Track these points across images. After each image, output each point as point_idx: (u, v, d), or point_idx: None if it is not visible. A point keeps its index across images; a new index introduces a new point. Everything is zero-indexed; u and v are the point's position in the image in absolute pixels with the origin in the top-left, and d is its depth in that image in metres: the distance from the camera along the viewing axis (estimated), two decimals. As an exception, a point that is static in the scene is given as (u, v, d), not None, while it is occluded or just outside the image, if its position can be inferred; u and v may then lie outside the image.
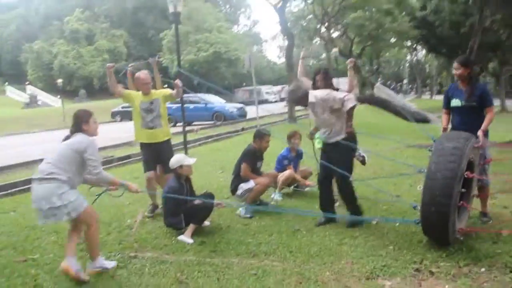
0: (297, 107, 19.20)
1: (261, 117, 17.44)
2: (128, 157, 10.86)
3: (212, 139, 14.61)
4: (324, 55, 37.78)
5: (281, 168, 6.23)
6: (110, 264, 3.85)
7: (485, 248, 3.82)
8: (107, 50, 54.41)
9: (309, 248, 4.12)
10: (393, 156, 8.55)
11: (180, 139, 10.69)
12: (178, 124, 19.43)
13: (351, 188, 4.75)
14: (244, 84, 55.61)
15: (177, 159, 4.78)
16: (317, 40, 44.23)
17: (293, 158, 6.29)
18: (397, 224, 4.55)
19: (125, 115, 26.25)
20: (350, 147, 4.63)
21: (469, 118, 4.41)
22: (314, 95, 4.59)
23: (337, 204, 5.16)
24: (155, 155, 5.37)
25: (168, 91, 5.45)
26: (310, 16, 39.25)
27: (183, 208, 4.60)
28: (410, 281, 3.36)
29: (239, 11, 74.62)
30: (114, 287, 3.53)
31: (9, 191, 7.69)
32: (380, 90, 37.04)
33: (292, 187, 6.36)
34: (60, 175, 3.52)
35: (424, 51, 52.13)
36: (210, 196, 4.93)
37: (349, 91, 5.08)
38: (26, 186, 7.84)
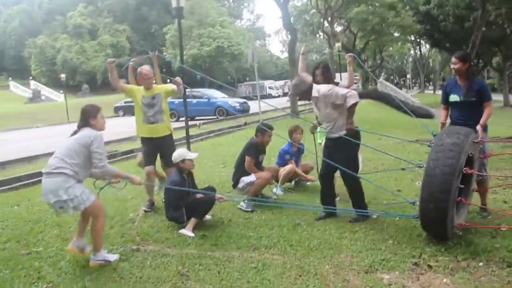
0: (300, 102, 19.24)
1: (263, 112, 17.43)
2: (131, 151, 10.90)
3: (214, 134, 14.63)
4: (327, 50, 37.64)
5: (282, 162, 6.26)
6: (113, 257, 3.90)
7: (484, 243, 3.85)
8: (110, 45, 54.45)
9: (309, 241, 4.16)
10: (394, 151, 8.58)
11: (182, 133, 10.72)
12: (181, 118, 19.50)
13: (358, 184, 4.75)
14: (247, 78, 55.59)
15: (179, 154, 4.82)
16: (320, 34, 44.14)
17: (294, 152, 6.31)
18: (397, 218, 4.58)
19: (128, 110, 26.34)
20: (353, 142, 4.62)
21: (467, 113, 4.42)
22: (318, 89, 4.60)
23: (337, 198, 5.19)
24: (156, 149, 5.40)
25: (171, 86, 5.45)
26: (313, 10, 39.16)
27: (185, 202, 4.64)
28: (409, 275, 3.40)
29: (242, 5, 74.41)
30: (117, 279, 3.58)
31: (13, 185, 7.74)
32: (383, 85, 36.94)
33: (293, 181, 6.40)
34: (67, 170, 3.59)
35: (427, 46, 51.92)
36: (212, 190, 4.97)
37: (349, 86, 5.09)
38: (30, 181, 7.93)
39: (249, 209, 5.24)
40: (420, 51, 58.34)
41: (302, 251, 3.96)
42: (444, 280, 3.27)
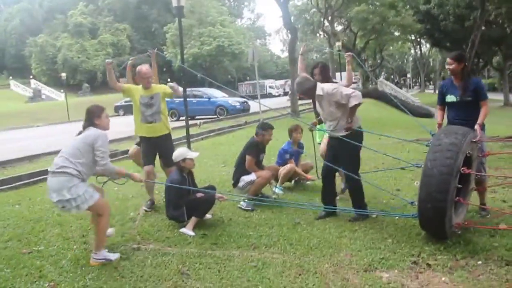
0: (300, 101, 19.26)
1: (263, 111, 17.44)
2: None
3: (214, 133, 14.65)
4: (327, 49, 37.65)
5: (282, 162, 6.27)
6: (114, 256, 3.92)
7: (482, 242, 3.87)
8: (111, 43, 54.48)
9: (309, 240, 4.18)
10: (395, 150, 8.60)
11: (183, 133, 10.74)
12: (181, 118, 19.51)
13: (359, 184, 4.77)
14: (248, 78, 55.61)
15: (180, 153, 4.83)
16: (320, 34, 44.13)
17: (294, 152, 6.33)
18: (396, 217, 4.60)
19: (128, 109, 26.30)
20: (357, 140, 4.63)
21: (464, 113, 4.44)
22: (322, 87, 4.62)
23: (338, 197, 5.21)
24: (155, 149, 5.41)
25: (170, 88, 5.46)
26: (314, 9, 39.17)
27: (185, 201, 4.66)
28: (408, 274, 3.42)
29: (243, 4, 74.39)
30: (117, 278, 3.60)
31: (14, 184, 7.76)
32: (383, 85, 36.97)
33: (293, 180, 6.42)
34: (70, 169, 3.65)
35: (428, 45, 51.88)
36: (212, 189, 4.99)
37: (348, 85, 5.11)
38: (31, 180, 7.95)
39: (249, 208, 5.26)
40: (421, 50, 58.37)
41: (302, 250, 3.98)
42: (443, 278, 3.29)
